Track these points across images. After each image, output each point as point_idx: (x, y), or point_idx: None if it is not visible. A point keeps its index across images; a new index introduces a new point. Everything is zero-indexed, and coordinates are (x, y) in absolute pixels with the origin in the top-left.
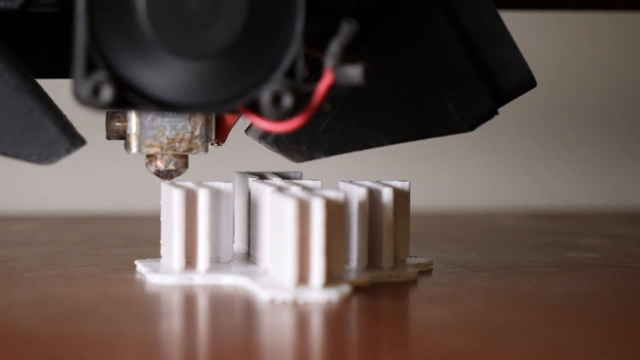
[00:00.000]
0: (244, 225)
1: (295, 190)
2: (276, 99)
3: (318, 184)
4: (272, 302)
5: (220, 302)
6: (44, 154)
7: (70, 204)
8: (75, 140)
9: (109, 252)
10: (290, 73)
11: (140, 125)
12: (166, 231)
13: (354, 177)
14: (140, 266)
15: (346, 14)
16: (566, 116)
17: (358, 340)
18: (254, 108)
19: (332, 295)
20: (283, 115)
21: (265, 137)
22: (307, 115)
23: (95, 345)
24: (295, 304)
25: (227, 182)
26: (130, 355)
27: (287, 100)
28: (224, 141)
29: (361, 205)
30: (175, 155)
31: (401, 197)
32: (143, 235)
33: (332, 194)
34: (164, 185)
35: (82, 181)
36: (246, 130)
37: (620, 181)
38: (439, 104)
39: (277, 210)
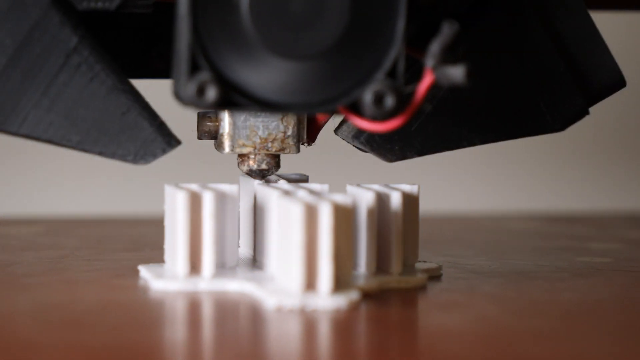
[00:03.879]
0: (249, 229)
1: (302, 194)
2: (379, 99)
3: (325, 187)
4: (279, 309)
5: (226, 309)
6: (140, 154)
7: (72, 207)
8: (171, 139)
9: (111, 256)
10: (392, 73)
11: (234, 125)
12: (170, 235)
13: (361, 180)
14: (144, 271)
15: (445, 14)
16: None
17: (367, 350)
18: (354, 108)
19: (341, 302)
20: (385, 115)
21: (358, 136)
22: (408, 115)
23: (97, 354)
24: (302, 311)
25: (232, 184)
26: None
27: (390, 100)
28: (314, 141)
29: (370, 209)
30: (267, 155)
31: (410, 201)
32: (146, 239)
33: (340, 198)
34: (168, 188)
35: (84, 184)
36: (336, 130)
37: (631, 184)
38: (531, 104)
39: (284, 215)
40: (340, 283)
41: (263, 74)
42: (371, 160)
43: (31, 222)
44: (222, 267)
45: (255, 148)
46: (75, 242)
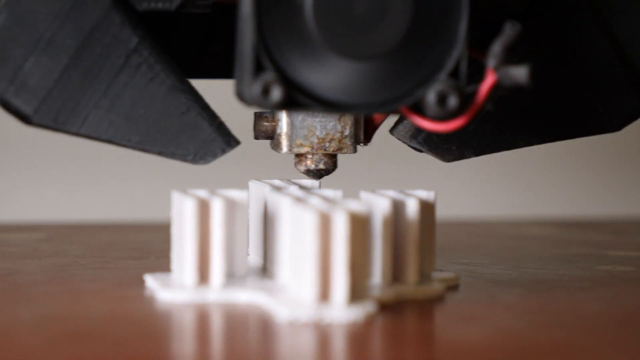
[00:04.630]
0: (260, 237)
1: (315, 202)
2: (442, 99)
3: (339, 194)
4: (292, 322)
5: (236, 322)
6: (199, 154)
7: (75, 213)
8: (230, 139)
9: (116, 265)
10: (454, 73)
11: (292, 125)
12: (178, 244)
13: (372, 184)
14: (150, 281)
15: (506, 14)
16: None
17: None
18: (416, 108)
19: (357, 313)
20: (448, 115)
21: (416, 136)
22: (470, 115)
23: None
24: (316, 324)
25: (241, 190)
26: None
27: (453, 101)
28: (369, 141)
29: (385, 217)
30: (325, 155)
31: (426, 208)
32: (152, 246)
33: (355, 206)
34: (176, 195)
35: (87, 189)
36: (391, 130)
37: None
38: (588, 104)
39: (297, 224)
40: (356, 294)
41: (326, 75)
42: (381, 163)
43: (33, 228)
44: (232, 277)
45: (312, 148)
46: (79, 250)
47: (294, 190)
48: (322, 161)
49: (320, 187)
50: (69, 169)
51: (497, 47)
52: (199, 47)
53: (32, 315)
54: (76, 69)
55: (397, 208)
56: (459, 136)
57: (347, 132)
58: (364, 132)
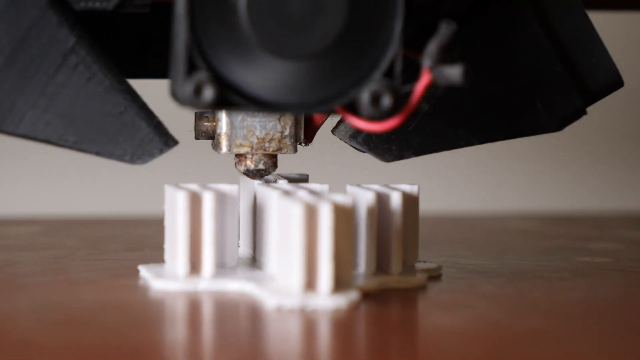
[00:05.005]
0: (249, 229)
1: (302, 194)
2: (376, 99)
3: (325, 187)
4: (279, 309)
5: (226, 309)
6: (137, 154)
7: (72, 207)
8: (168, 139)
9: (111, 256)
10: (389, 73)
11: (231, 125)
12: (170, 235)
13: (361, 180)
14: (144, 271)
15: (442, 14)
16: None
17: (367, 349)
18: (351, 108)
19: (341, 301)
20: (382, 115)
21: (355, 136)
22: (405, 115)
23: (97, 354)
24: (302, 310)
25: (232, 184)
26: None
27: (387, 100)
28: (311, 141)
29: (369, 209)
30: (264, 155)
31: (410, 201)
32: (146, 239)
33: (340, 199)
34: (168, 188)
35: (84, 184)
36: (333, 130)
37: (630, 185)
38: (528, 104)
39: (284, 215)
40: (340, 283)
41: (260, 74)
42: (371, 160)
43: (31, 222)
44: (222, 267)
45: (252, 148)
46: (75, 242)
47: (283, 184)
48: (262, 161)
49: (308, 181)
50: (66, 165)
51: (432, 47)
52: (142, 47)
53: (30, 304)
54: (12, 68)
55: (382, 201)
56: (398, 136)
57: (287, 132)
58: (305, 132)
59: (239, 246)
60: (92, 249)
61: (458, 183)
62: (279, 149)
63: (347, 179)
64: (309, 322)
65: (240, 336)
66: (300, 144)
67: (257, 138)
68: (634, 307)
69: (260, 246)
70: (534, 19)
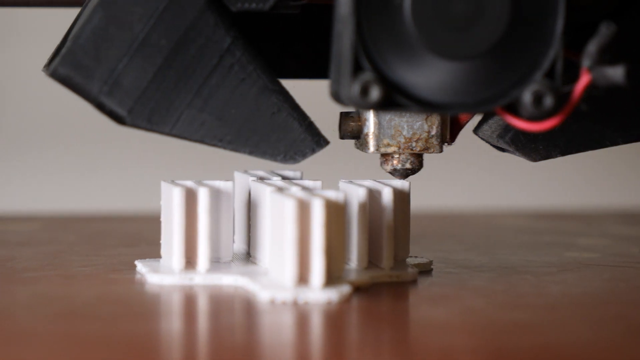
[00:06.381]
0: (244, 225)
1: (295, 190)
2: (537, 99)
3: (318, 184)
4: (272, 302)
5: (220, 302)
6: (289, 154)
7: (70, 204)
8: (320, 139)
9: (108, 252)
10: (549, 73)
11: (379, 125)
12: (166, 231)
13: (354, 177)
14: (140, 266)
15: (603, 15)
16: None
17: (358, 340)
18: (510, 108)
19: (332, 295)
20: (544, 115)
21: (503, 136)
22: (565, 114)
23: (94, 345)
24: (295, 303)
25: (226, 181)
26: (130, 355)
27: (549, 101)
28: (454, 140)
29: (361, 205)
30: (411, 155)
31: (401, 197)
32: (143, 235)
33: (332, 194)
34: (164, 184)
35: (82, 181)
36: (475, 130)
37: (619, 181)
38: None
39: (277, 211)
40: (332, 277)
41: (423, 75)
42: (365, 157)
43: (30, 218)
44: (217, 262)
45: (399, 148)
46: (73, 238)
47: (276, 180)
48: (409, 161)
49: (302, 178)
50: (65, 163)
51: (592, 47)
52: (281, 48)
53: (28, 297)
54: (170, 69)
55: (373, 196)
56: (545, 136)
57: (433, 132)
58: (450, 132)
59: (234, 241)
60: (89, 244)
61: (449, 180)
62: (426, 149)
63: (341, 176)
64: (301, 314)
65: (234, 328)
66: (445, 143)
67: (404, 138)
68: (618, 299)
69: (255, 241)
70: None
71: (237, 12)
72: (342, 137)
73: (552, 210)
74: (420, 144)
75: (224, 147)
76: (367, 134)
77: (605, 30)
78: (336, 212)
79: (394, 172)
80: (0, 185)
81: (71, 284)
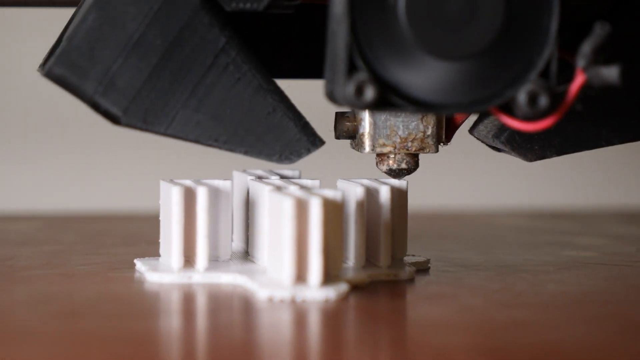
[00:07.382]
0: (243, 223)
1: (293, 189)
2: (532, 99)
3: (316, 183)
4: (270, 300)
5: (219, 300)
6: (284, 154)
7: (70, 204)
8: (315, 139)
9: (108, 251)
10: (544, 73)
11: (374, 125)
12: (165, 230)
13: (352, 175)
14: (140, 265)
15: (597, 15)
16: None
17: (355, 338)
18: (505, 108)
19: (330, 293)
20: (538, 115)
21: (498, 136)
22: (560, 114)
23: (94, 343)
24: (293, 302)
25: (225, 180)
26: (129, 352)
27: (543, 101)
28: (450, 140)
29: (359, 204)
30: (407, 155)
31: (399, 195)
32: (142, 234)
33: (330, 193)
34: (163, 184)
35: (82, 181)
36: (471, 130)
37: (617, 181)
38: None
39: (275, 209)
40: (330, 275)
41: (418, 75)
42: (363, 156)
43: (30, 217)
44: (216, 261)
45: (395, 148)
46: (73, 237)
47: (275, 179)
48: (404, 161)
49: (300, 177)
50: (65, 163)
51: (586, 47)
52: (276, 47)
53: (28, 295)
54: (165, 69)
55: (370, 195)
56: (541, 136)
57: (429, 132)
58: (445, 132)
59: (232, 240)
60: (89, 243)
61: (447, 179)
62: (422, 149)
63: (339, 175)
64: (299, 313)
65: (232, 326)
66: (441, 143)
67: (400, 138)
68: (614, 297)
69: (253, 240)
70: None
71: (231, 12)
72: (337, 137)
73: (550, 209)
74: (415, 144)
75: (220, 147)
76: (362, 134)
77: (599, 31)
78: (334, 211)
79: (390, 172)
80: (0, 185)
81: (71, 282)
